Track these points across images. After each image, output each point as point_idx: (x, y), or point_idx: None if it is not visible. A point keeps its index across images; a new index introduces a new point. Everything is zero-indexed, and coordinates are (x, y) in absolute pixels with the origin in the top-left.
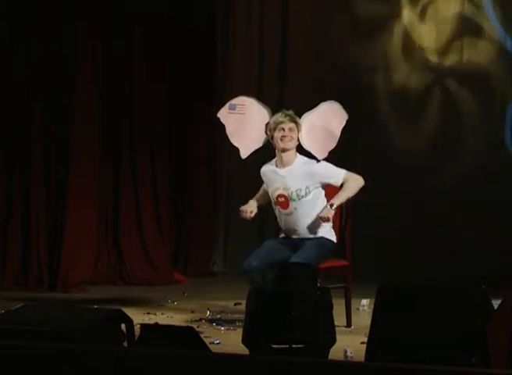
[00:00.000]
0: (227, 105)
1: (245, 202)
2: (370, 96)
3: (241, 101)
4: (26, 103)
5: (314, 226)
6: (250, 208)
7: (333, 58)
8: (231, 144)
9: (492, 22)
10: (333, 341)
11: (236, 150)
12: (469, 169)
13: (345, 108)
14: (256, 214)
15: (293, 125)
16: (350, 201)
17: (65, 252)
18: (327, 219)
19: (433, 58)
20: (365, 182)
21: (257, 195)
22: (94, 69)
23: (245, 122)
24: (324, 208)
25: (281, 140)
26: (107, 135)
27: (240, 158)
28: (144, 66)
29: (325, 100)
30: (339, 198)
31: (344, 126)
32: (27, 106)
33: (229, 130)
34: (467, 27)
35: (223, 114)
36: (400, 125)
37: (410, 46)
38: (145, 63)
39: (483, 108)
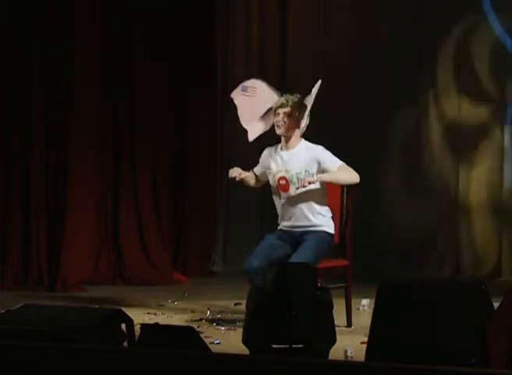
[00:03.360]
0: (239, 87)
1: (245, 202)
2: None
3: (252, 83)
4: (26, 103)
5: (312, 213)
6: (243, 171)
7: (333, 58)
8: (231, 145)
9: (492, 22)
10: (333, 341)
11: (236, 150)
12: (469, 169)
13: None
14: (249, 186)
15: (287, 110)
16: (351, 201)
17: (65, 252)
18: (302, 181)
19: None
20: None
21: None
22: (94, 69)
23: (255, 105)
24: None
25: (276, 125)
26: (107, 135)
27: (240, 158)
28: (144, 66)
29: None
30: (325, 176)
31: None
32: (27, 106)
33: (240, 112)
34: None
35: (236, 95)
36: (400, 124)
37: None
38: (145, 63)
39: (483, 108)
